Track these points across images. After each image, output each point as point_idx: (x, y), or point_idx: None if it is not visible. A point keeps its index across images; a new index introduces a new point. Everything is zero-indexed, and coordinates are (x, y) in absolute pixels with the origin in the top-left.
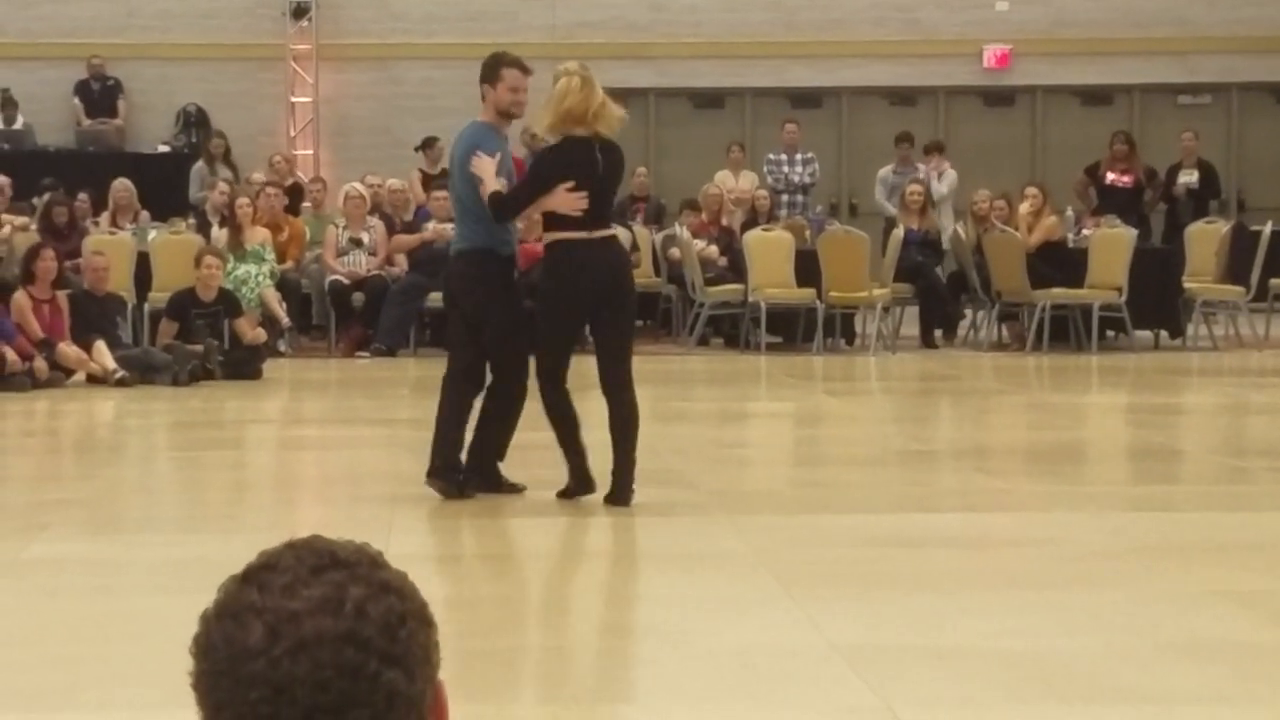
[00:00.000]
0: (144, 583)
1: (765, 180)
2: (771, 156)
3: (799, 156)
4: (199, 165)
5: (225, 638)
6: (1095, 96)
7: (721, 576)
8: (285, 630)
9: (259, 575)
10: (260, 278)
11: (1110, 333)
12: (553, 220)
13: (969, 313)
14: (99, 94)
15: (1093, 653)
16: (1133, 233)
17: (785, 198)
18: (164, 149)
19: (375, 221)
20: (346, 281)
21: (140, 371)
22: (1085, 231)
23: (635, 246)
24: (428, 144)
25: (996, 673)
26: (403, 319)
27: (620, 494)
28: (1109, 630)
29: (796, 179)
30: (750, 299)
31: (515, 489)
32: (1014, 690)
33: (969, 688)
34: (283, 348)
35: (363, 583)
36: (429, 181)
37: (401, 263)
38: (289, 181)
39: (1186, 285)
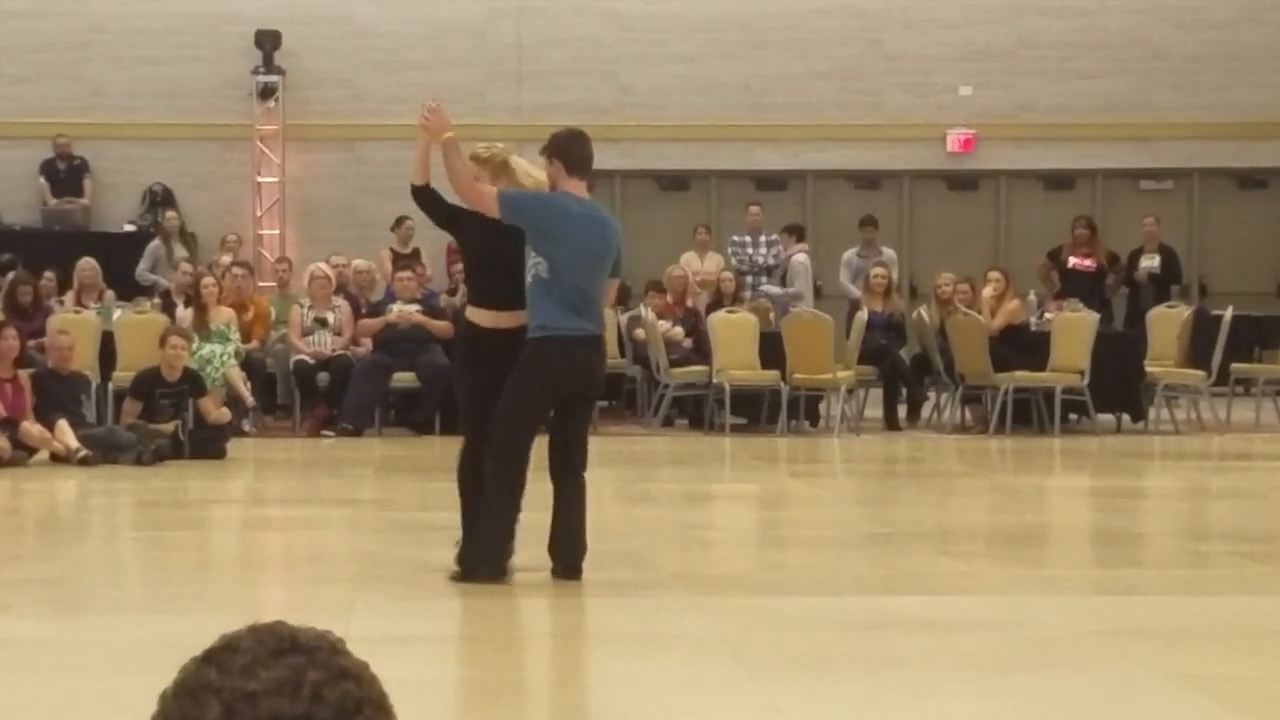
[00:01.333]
0: (106, 663)
1: (730, 262)
2: (736, 238)
3: (763, 238)
4: (155, 243)
5: (182, 715)
6: (1058, 181)
7: (684, 658)
8: (241, 710)
9: (219, 656)
10: (225, 357)
11: (1073, 416)
12: None
13: (932, 395)
14: (65, 173)
15: None
16: (1095, 316)
17: (750, 279)
18: (130, 228)
19: (340, 301)
20: (311, 361)
21: (104, 451)
22: (1048, 315)
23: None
24: (398, 223)
25: None
26: (368, 398)
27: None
28: (1070, 714)
29: (761, 260)
30: (715, 380)
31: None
32: None
33: None
34: (247, 427)
35: (322, 668)
36: (399, 260)
37: (367, 343)
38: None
39: (1148, 369)
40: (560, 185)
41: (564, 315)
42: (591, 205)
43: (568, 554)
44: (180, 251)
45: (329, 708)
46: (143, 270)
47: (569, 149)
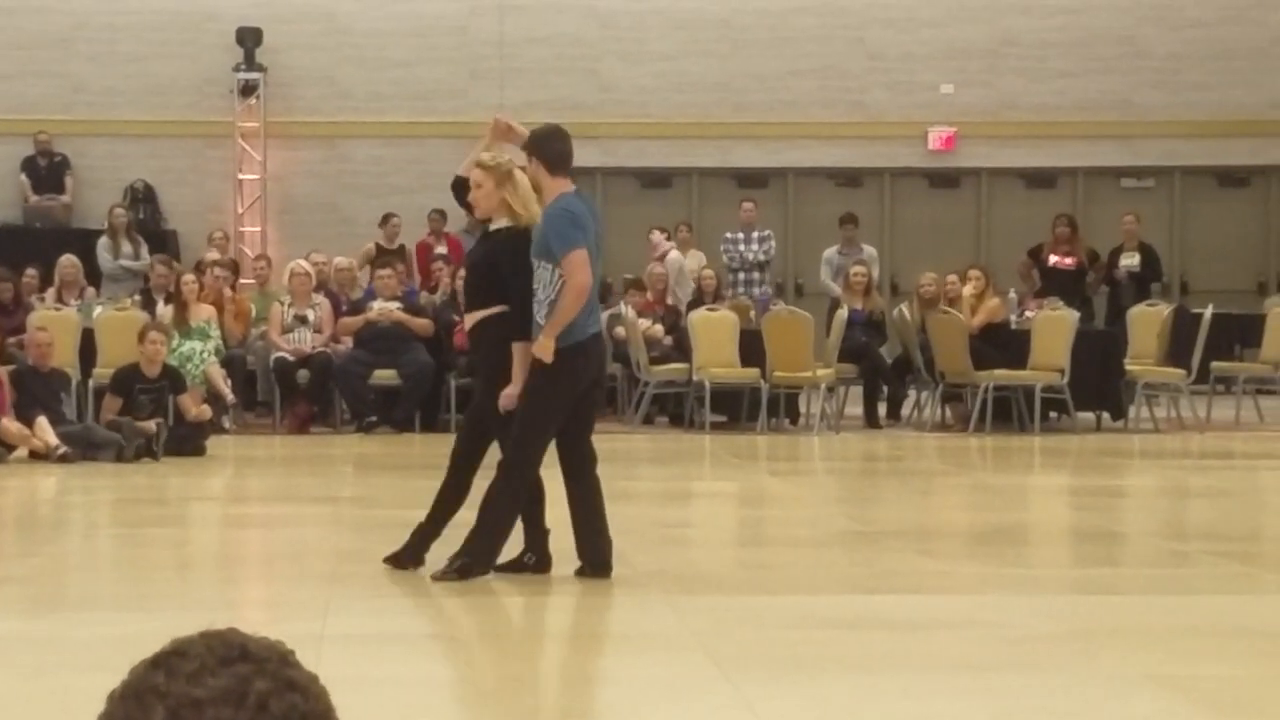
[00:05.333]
0: (82, 661)
1: (721, 259)
2: (728, 235)
3: (755, 234)
4: (103, 239)
5: (126, 718)
6: (1039, 179)
7: (658, 658)
8: (185, 716)
9: (167, 660)
10: (205, 354)
11: (1053, 414)
12: None
13: (913, 393)
14: (46, 170)
15: None
16: (1075, 315)
17: (742, 275)
18: None
19: (320, 299)
20: (291, 359)
21: (83, 448)
22: (1028, 313)
23: None
24: (385, 220)
25: None
26: (364, 391)
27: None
28: (1047, 714)
29: (752, 256)
30: (695, 378)
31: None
32: None
33: None
34: (227, 424)
35: (269, 678)
36: (380, 256)
37: (347, 341)
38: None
39: (1128, 367)
40: (542, 184)
41: (582, 318)
42: (584, 198)
43: (598, 552)
44: (126, 248)
45: (273, 718)
46: (107, 265)
47: (548, 146)
